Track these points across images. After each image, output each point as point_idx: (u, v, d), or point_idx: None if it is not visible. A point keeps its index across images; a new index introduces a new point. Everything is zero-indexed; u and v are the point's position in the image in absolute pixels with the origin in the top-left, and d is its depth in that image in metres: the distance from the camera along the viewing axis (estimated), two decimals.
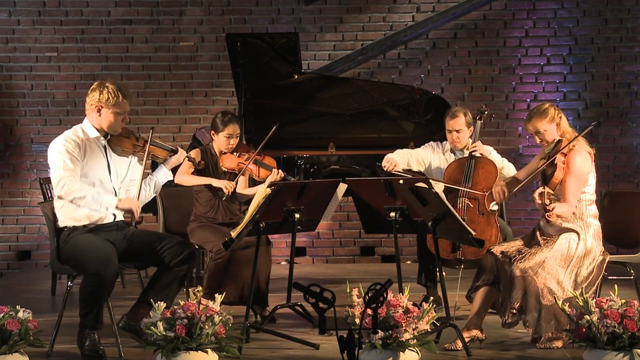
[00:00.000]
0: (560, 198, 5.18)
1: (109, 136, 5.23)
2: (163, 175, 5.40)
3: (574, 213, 5.18)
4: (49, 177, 7.94)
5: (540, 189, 5.01)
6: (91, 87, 5.22)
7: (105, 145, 5.22)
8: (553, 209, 4.96)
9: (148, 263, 5.45)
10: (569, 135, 5.27)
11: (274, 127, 6.26)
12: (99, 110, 5.15)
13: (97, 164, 5.17)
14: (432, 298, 6.07)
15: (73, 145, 5.12)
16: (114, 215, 5.22)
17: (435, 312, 4.84)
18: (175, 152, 5.42)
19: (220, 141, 6.10)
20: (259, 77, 7.47)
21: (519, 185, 5.35)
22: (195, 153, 6.09)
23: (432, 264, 6.12)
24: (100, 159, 5.19)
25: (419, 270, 6.25)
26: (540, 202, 4.97)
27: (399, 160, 6.23)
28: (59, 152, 5.13)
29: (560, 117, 5.29)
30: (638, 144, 9.33)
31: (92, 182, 5.14)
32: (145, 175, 5.30)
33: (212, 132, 6.13)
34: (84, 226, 5.13)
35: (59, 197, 5.12)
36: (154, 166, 5.75)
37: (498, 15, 9.36)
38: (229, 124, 6.06)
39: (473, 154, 6.09)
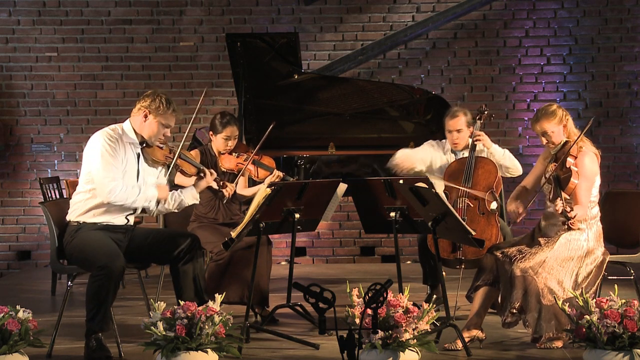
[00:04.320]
0: (572, 201, 5.16)
1: (145, 144, 5.23)
2: (190, 197, 5.38)
3: None
4: (50, 177, 8.05)
5: (560, 200, 4.99)
6: (144, 94, 5.24)
7: (139, 153, 5.23)
8: (575, 215, 4.94)
9: (149, 261, 5.48)
10: (575, 137, 5.25)
11: (271, 126, 6.28)
12: (145, 116, 5.17)
13: (128, 168, 5.18)
14: (435, 296, 6.10)
15: (114, 144, 5.11)
16: (127, 219, 5.24)
17: (436, 312, 4.84)
18: (202, 171, 5.42)
19: (219, 142, 6.10)
20: (259, 77, 7.47)
21: (532, 199, 5.32)
22: (194, 153, 6.10)
23: (433, 262, 6.12)
24: (132, 164, 5.19)
25: (423, 271, 6.26)
26: (561, 211, 4.95)
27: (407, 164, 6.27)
28: (105, 152, 5.07)
29: (567, 119, 5.28)
30: (638, 144, 9.33)
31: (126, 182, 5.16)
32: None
33: (211, 132, 6.14)
34: (94, 223, 5.14)
35: (109, 202, 5.08)
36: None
37: (498, 15, 9.36)
38: (228, 125, 6.06)
39: (475, 142, 6.09)
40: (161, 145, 5.29)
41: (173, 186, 5.50)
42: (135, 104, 5.26)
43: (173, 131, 9.40)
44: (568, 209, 4.93)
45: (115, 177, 5.07)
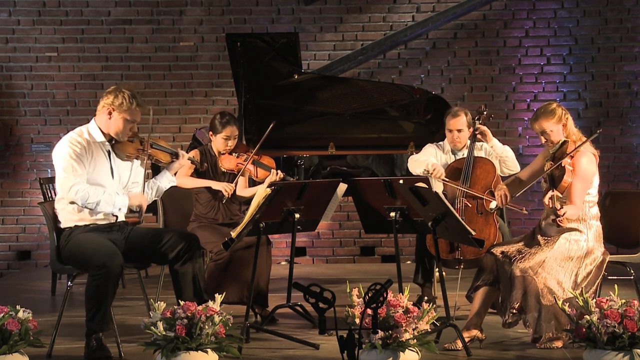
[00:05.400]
0: (567, 200, 5.17)
1: (114, 140, 5.21)
2: (166, 180, 5.39)
3: None
4: (49, 177, 8.05)
5: (550, 193, 5.00)
6: (107, 90, 5.21)
7: (109, 150, 5.21)
8: (564, 213, 4.94)
9: (148, 261, 5.47)
10: (575, 136, 5.26)
11: (270, 126, 6.29)
12: (110, 113, 5.14)
13: (100, 168, 5.16)
14: (426, 297, 6.11)
15: (79, 148, 5.09)
16: (116, 216, 5.23)
17: (435, 312, 4.84)
18: (176, 155, 5.40)
19: (218, 142, 6.10)
20: (259, 77, 7.46)
21: (523, 189, 5.33)
22: (194, 153, 6.10)
23: (429, 263, 6.14)
24: (103, 163, 5.17)
25: (416, 269, 6.26)
26: (551, 206, 4.96)
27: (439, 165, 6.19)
28: (67, 156, 5.06)
29: (567, 118, 5.28)
30: (638, 144, 9.33)
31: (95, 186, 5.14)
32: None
33: (210, 132, 6.14)
34: (86, 225, 5.13)
35: (71, 202, 5.09)
36: (154, 168, 5.73)
37: (498, 15, 9.36)
38: (227, 125, 6.06)
39: (477, 134, 6.11)
40: (131, 139, 5.25)
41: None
42: (99, 102, 5.22)
43: (173, 131, 9.48)
44: (558, 206, 4.93)
45: (76, 176, 5.05)
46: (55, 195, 7.55)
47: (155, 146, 5.33)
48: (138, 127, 5.29)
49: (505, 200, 5.40)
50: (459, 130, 6.22)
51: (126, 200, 5.16)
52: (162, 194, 5.44)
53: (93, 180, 5.12)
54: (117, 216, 5.23)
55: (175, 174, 5.47)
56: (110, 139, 5.20)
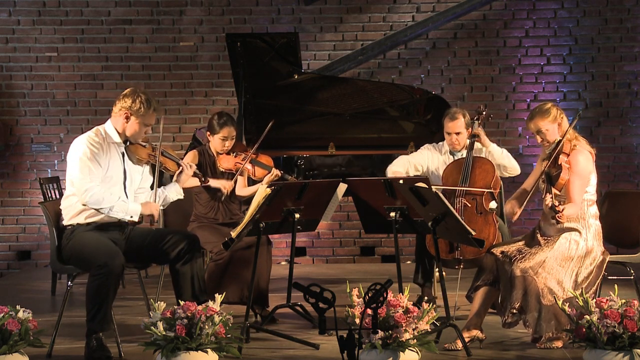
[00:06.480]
0: (566, 199, 5.17)
1: (128, 142, 5.25)
2: (174, 192, 5.43)
3: None
4: (50, 177, 8.05)
5: (549, 196, 5.00)
6: (123, 93, 5.26)
7: (123, 152, 5.25)
8: (563, 210, 4.95)
9: (149, 261, 5.48)
10: (570, 135, 5.27)
11: (269, 125, 6.29)
12: (127, 117, 5.19)
13: (114, 168, 5.19)
14: (426, 297, 6.11)
15: (97, 149, 5.13)
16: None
17: (435, 312, 4.84)
18: (183, 166, 5.44)
19: (216, 143, 6.11)
20: (259, 77, 7.47)
21: (528, 196, 5.32)
22: (192, 154, 6.11)
23: (429, 263, 6.14)
24: (117, 163, 5.21)
25: (416, 268, 6.26)
26: (550, 204, 4.96)
27: (402, 171, 6.25)
28: (84, 156, 5.09)
29: (562, 118, 5.29)
30: (638, 144, 9.33)
31: (109, 187, 5.15)
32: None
33: (208, 133, 6.14)
34: (88, 224, 5.14)
35: (84, 204, 5.10)
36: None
37: (498, 15, 9.36)
38: (225, 126, 6.06)
39: (473, 139, 6.11)
40: (144, 144, 5.32)
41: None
42: (115, 103, 5.25)
43: (173, 131, 9.48)
44: (557, 203, 4.93)
45: (92, 179, 5.08)
46: (57, 195, 7.66)
47: (166, 154, 5.39)
48: (148, 136, 5.37)
49: (513, 212, 5.33)
50: (458, 133, 6.22)
51: (139, 208, 5.20)
52: (168, 204, 5.47)
53: (106, 179, 5.15)
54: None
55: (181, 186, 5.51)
56: (125, 140, 5.25)
